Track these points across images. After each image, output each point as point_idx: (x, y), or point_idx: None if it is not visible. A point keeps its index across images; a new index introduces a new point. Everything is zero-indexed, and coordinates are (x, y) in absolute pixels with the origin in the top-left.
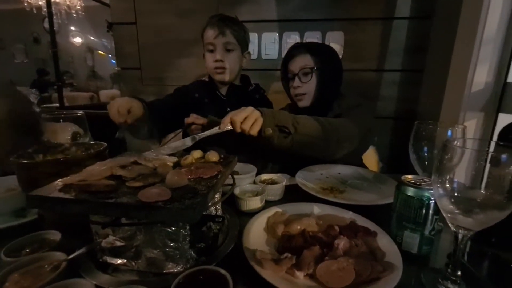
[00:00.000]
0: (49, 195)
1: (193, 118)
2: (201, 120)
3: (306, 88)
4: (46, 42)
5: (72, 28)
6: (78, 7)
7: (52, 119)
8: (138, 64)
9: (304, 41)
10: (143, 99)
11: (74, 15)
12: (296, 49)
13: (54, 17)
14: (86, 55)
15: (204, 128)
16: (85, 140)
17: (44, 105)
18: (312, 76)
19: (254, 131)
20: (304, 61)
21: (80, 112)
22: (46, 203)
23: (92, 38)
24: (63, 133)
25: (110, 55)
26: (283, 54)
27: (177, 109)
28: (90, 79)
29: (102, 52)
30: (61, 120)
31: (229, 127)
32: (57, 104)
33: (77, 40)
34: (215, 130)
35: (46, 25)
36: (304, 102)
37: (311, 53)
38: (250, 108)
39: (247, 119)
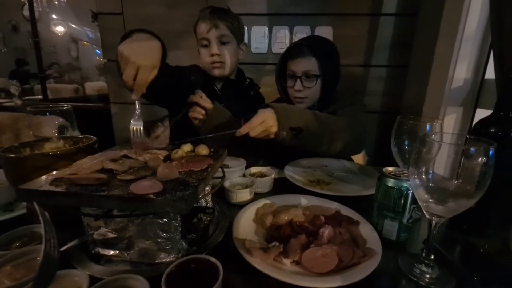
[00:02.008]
0: (40, 189)
1: (198, 97)
2: (207, 103)
3: (308, 93)
4: (25, 30)
5: (54, 16)
6: None
7: (37, 112)
8: None
9: (293, 36)
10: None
11: (56, 2)
12: (298, 48)
13: (34, 4)
14: (70, 46)
15: (207, 114)
16: (72, 134)
17: (26, 97)
18: (317, 82)
19: (265, 138)
20: (308, 65)
21: (67, 105)
22: (37, 197)
23: (75, 27)
24: (49, 127)
25: (94, 46)
26: (273, 48)
27: (169, 83)
28: (74, 71)
29: (86, 42)
30: (47, 114)
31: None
32: (40, 97)
33: (59, 29)
34: (230, 132)
35: (25, 12)
36: (303, 105)
37: (316, 56)
38: (269, 122)
39: (263, 133)
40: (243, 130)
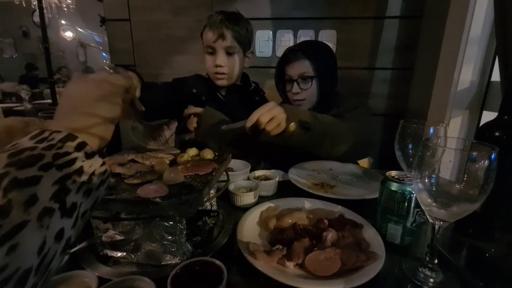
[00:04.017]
0: None
1: (191, 109)
2: (198, 109)
3: (305, 95)
4: (35, 36)
5: (63, 22)
6: (69, 1)
7: (48, 117)
8: (132, 61)
9: (297, 39)
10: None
11: (65, 8)
12: (293, 53)
13: (44, 11)
14: (78, 50)
15: (202, 118)
16: None
17: (36, 101)
18: (312, 83)
19: (275, 132)
20: (302, 67)
21: None
22: None
23: (83, 31)
24: None
25: (101, 47)
26: (277, 52)
27: (172, 99)
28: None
29: (93, 45)
30: None
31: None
32: (50, 101)
33: (68, 34)
34: (241, 123)
35: (36, 18)
36: (303, 108)
37: (309, 59)
38: (277, 109)
39: (273, 121)
40: (252, 118)
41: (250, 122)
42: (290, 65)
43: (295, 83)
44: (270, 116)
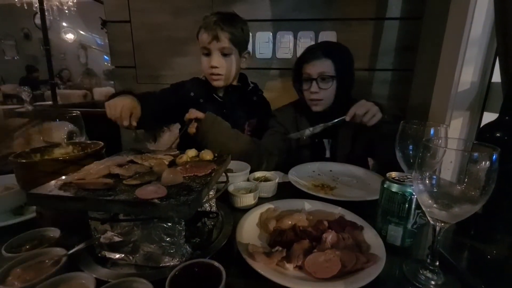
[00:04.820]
0: (49, 193)
1: (194, 113)
2: (200, 114)
3: (324, 94)
4: (37, 38)
5: (64, 24)
6: (70, 3)
7: (48, 118)
8: (132, 63)
9: (297, 41)
10: (134, 94)
11: (66, 11)
12: (313, 52)
13: (46, 13)
14: (79, 52)
15: (202, 123)
16: (81, 139)
17: (37, 103)
18: (333, 84)
19: (372, 123)
20: (323, 66)
21: (76, 112)
22: (47, 201)
23: (84, 34)
24: (59, 132)
25: (102, 49)
26: (277, 53)
27: (171, 105)
28: (83, 76)
29: (95, 47)
30: (57, 120)
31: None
32: (50, 102)
33: (69, 36)
34: (340, 120)
35: (37, 20)
36: (319, 107)
37: (331, 58)
38: (369, 104)
39: (368, 113)
40: (350, 112)
41: (349, 116)
42: (310, 64)
43: (314, 82)
44: (365, 109)
